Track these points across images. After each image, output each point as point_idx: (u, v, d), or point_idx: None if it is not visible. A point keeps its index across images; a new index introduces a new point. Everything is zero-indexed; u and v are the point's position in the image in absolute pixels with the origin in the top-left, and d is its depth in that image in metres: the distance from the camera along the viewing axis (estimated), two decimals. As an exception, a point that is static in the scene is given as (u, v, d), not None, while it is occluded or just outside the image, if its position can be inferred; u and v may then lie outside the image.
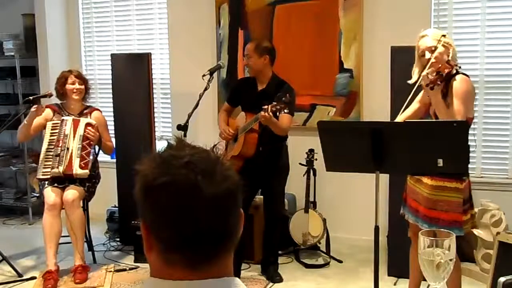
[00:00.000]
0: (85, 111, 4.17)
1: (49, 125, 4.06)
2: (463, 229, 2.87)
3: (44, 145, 4.03)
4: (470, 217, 2.94)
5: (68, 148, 3.95)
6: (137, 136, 4.32)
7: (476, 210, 3.02)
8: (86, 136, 3.99)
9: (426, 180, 2.93)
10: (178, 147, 1.00)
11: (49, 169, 3.95)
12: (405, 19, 4.17)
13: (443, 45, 2.88)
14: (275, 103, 3.50)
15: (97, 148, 4.18)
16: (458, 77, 2.86)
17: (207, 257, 0.97)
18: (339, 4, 4.47)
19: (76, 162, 3.94)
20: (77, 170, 3.93)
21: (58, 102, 4.24)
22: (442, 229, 2.86)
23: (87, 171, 3.96)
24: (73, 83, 4.10)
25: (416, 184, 3.00)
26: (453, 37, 4.26)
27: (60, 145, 3.97)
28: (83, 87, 4.14)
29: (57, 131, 4.03)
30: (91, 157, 4.04)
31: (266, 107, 3.54)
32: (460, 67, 2.88)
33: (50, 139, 4.03)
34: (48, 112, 4.12)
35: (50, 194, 3.89)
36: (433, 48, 2.89)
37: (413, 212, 3.04)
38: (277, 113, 3.53)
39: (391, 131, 2.68)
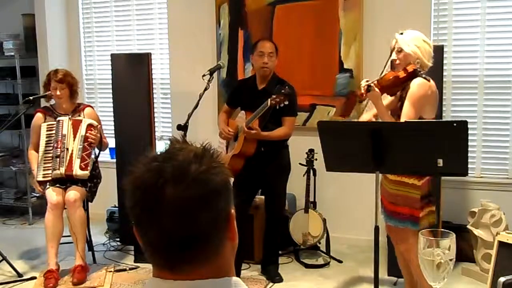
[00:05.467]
0: (77, 109, 4.14)
1: (43, 126, 4.02)
2: (419, 224, 2.94)
3: (41, 147, 3.99)
4: (427, 213, 2.99)
5: (67, 149, 3.94)
6: (137, 136, 4.31)
7: (433, 208, 3.05)
8: (88, 137, 3.97)
9: (389, 175, 3.03)
10: (170, 147, 1.00)
11: (49, 171, 3.94)
12: (405, 19, 4.16)
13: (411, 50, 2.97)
14: (274, 96, 3.54)
15: (97, 151, 4.16)
16: (415, 80, 2.94)
17: (180, 260, 0.95)
18: (339, 4, 4.46)
19: (76, 163, 3.93)
20: (77, 171, 3.91)
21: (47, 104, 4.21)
22: (398, 224, 2.97)
23: (87, 172, 3.95)
24: (55, 88, 4.02)
25: (383, 179, 3.09)
26: (453, 37, 4.27)
27: (59, 146, 3.95)
28: (65, 91, 4.03)
29: (53, 132, 4.00)
30: (92, 157, 4.03)
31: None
32: (419, 71, 2.95)
33: (46, 140, 4.00)
34: (39, 117, 4.09)
35: (53, 194, 3.88)
36: (399, 50, 3.01)
37: (382, 207, 3.14)
38: (277, 106, 3.56)
39: (391, 131, 2.69)
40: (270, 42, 3.93)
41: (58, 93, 4.01)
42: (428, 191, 3.01)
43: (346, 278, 3.97)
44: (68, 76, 4.07)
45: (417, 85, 2.91)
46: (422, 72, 2.97)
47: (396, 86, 3.03)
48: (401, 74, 2.97)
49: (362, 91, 3.02)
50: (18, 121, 4.83)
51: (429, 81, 2.95)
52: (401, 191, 2.98)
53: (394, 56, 3.04)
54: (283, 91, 3.56)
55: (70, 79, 4.07)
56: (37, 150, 4.06)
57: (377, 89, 2.98)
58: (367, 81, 3.04)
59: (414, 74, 2.95)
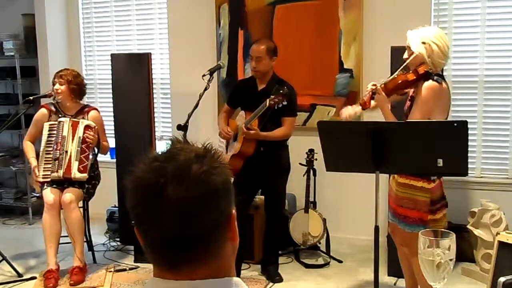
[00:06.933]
0: (82, 111, 4.13)
1: (46, 125, 4.02)
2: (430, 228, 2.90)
3: (42, 146, 3.99)
4: (439, 218, 2.93)
5: (66, 151, 3.93)
6: (137, 136, 4.31)
7: (445, 211, 3.02)
8: (85, 139, 3.95)
9: (396, 176, 3.00)
10: (171, 146, 1.00)
11: (48, 172, 3.94)
12: (405, 19, 4.16)
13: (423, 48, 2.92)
14: (273, 96, 3.55)
15: (96, 149, 4.15)
16: (426, 83, 2.88)
17: (181, 260, 0.95)
18: (339, 4, 4.46)
19: (75, 165, 3.92)
20: (75, 174, 3.91)
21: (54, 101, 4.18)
22: (406, 227, 2.95)
23: (85, 174, 3.94)
24: (54, 84, 4.03)
25: (391, 180, 3.08)
26: (453, 37, 4.27)
27: (58, 148, 3.94)
28: (64, 87, 4.00)
29: (54, 132, 3.99)
30: (90, 158, 4.02)
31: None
32: (431, 72, 2.90)
33: (48, 140, 4.00)
34: (43, 113, 4.10)
35: (49, 195, 3.88)
36: (408, 48, 2.98)
37: (389, 208, 3.13)
38: (276, 106, 3.56)
39: (391, 131, 2.69)
40: (259, 45, 3.84)
41: (56, 86, 4.01)
42: (440, 195, 2.96)
43: (346, 278, 3.97)
44: (70, 75, 4.04)
45: (426, 89, 2.86)
46: (434, 73, 2.90)
47: (406, 88, 2.99)
48: (411, 76, 2.92)
49: (367, 97, 2.98)
50: (18, 121, 4.83)
51: (440, 83, 2.89)
52: (410, 194, 2.93)
53: (406, 55, 3.00)
54: (281, 91, 3.56)
55: (70, 77, 4.03)
56: (33, 142, 4.11)
57: (383, 93, 2.96)
58: (373, 84, 2.99)
59: (425, 76, 2.89)
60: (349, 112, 3.22)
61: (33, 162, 4.01)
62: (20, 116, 4.56)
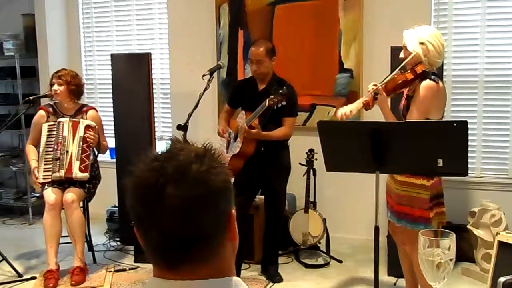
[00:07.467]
0: (80, 111, 4.13)
1: (45, 126, 4.01)
2: (431, 225, 2.90)
3: (41, 147, 3.98)
4: (435, 214, 2.95)
5: (67, 151, 3.93)
6: (137, 136, 4.31)
7: (444, 209, 3.04)
8: (86, 139, 3.96)
9: (396, 175, 2.99)
10: (171, 146, 1.00)
11: (49, 173, 3.94)
12: (405, 19, 4.14)
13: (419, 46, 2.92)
14: (272, 96, 3.55)
15: (95, 149, 4.15)
16: (423, 82, 2.89)
17: (180, 260, 0.95)
18: (339, 4, 4.47)
19: (76, 165, 3.92)
20: (77, 173, 3.91)
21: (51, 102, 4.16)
22: (407, 225, 2.95)
23: (87, 174, 3.94)
24: (52, 84, 4.02)
25: (389, 179, 3.07)
26: (453, 37, 4.27)
27: (59, 148, 3.94)
28: (63, 88, 3.99)
29: (54, 132, 3.99)
30: (91, 157, 4.02)
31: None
32: (428, 71, 2.91)
33: (47, 141, 3.99)
34: (41, 115, 4.09)
35: (50, 194, 3.88)
36: (404, 47, 2.98)
37: (388, 207, 3.12)
38: (275, 106, 3.56)
39: (391, 131, 2.69)
40: (258, 48, 3.82)
41: (55, 87, 4.00)
42: (438, 192, 2.97)
43: (346, 278, 3.97)
44: (68, 75, 4.04)
45: (424, 88, 2.87)
46: (431, 73, 2.91)
47: (404, 88, 3.01)
48: (409, 76, 2.93)
49: (370, 98, 2.98)
50: (18, 121, 4.83)
51: (437, 82, 2.90)
52: (410, 192, 2.94)
53: (402, 54, 3.01)
54: (280, 91, 3.56)
55: (69, 78, 4.02)
56: (35, 146, 4.09)
57: (384, 93, 2.96)
58: (374, 84, 2.99)
59: (423, 75, 2.90)
60: (345, 111, 3.16)
61: (33, 164, 4.01)
62: (20, 116, 4.56)
